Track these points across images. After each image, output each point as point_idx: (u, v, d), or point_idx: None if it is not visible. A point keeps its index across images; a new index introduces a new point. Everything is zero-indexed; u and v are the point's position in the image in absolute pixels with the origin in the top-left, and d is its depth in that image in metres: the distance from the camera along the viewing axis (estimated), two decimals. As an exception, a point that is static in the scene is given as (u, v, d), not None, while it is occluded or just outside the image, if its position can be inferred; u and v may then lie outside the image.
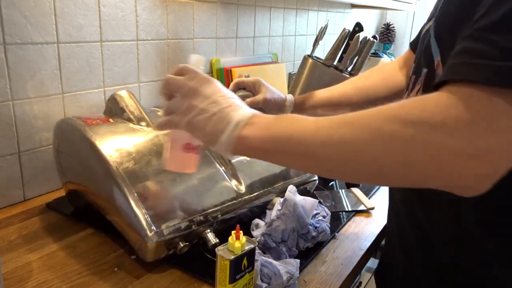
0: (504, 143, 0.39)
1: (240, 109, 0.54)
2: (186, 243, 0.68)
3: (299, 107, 0.91)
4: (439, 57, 0.55)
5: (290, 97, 0.92)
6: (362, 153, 0.44)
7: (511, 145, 0.39)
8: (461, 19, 0.49)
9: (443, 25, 0.56)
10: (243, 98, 0.91)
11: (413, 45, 0.86)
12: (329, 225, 0.81)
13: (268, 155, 0.52)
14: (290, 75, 1.74)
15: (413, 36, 0.85)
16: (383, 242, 0.92)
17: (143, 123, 0.80)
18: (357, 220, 0.89)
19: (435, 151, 0.40)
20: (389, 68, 0.91)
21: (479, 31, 0.42)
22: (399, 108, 0.44)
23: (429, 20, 0.67)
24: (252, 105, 0.88)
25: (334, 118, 0.47)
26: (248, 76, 1.38)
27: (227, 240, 0.60)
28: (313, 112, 0.91)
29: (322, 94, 0.91)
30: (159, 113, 0.87)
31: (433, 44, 0.57)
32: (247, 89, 0.91)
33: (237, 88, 0.92)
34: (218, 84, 0.56)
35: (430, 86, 0.55)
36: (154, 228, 0.65)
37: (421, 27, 0.83)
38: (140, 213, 0.66)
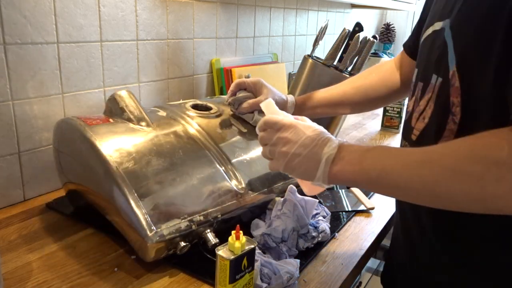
0: None
1: (327, 144, 0.58)
2: (186, 243, 0.68)
3: (300, 108, 0.91)
4: (455, 68, 0.55)
5: (291, 98, 0.92)
6: (442, 194, 0.48)
7: None
8: (489, 33, 0.50)
9: (465, 35, 0.55)
10: (244, 98, 0.91)
11: (409, 47, 0.85)
12: (329, 225, 0.81)
13: (362, 186, 0.59)
14: (290, 75, 1.74)
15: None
16: (383, 243, 0.92)
17: (143, 123, 0.80)
18: (357, 220, 0.89)
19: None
20: (387, 68, 0.91)
21: None
22: (474, 145, 0.47)
23: (430, 19, 0.66)
24: (254, 107, 0.88)
25: (418, 156, 0.52)
26: (248, 76, 1.38)
27: (227, 240, 0.60)
28: (313, 112, 0.91)
29: (322, 94, 0.91)
30: (159, 113, 0.87)
31: (450, 54, 0.56)
32: (248, 90, 0.92)
33: (238, 89, 0.93)
34: (300, 126, 0.61)
35: (445, 96, 0.56)
36: (154, 228, 0.65)
37: (416, 25, 0.83)
38: (140, 213, 0.66)
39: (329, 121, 1.19)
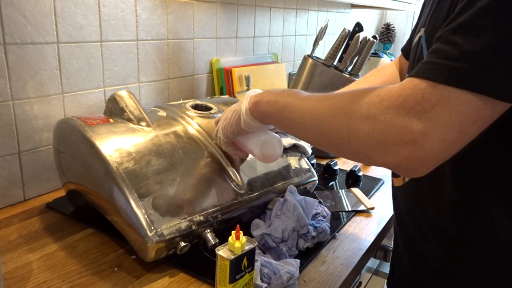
0: (436, 130, 0.44)
1: (250, 94, 0.68)
2: (186, 243, 0.68)
3: None
4: None
5: None
6: (322, 129, 0.54)
7: (441, 133, 0.44)
8: None
9: (433, 37, 0.56)
10: None
11: (405, 51, 0.86)
12: (329, 225, 0.81)
13: (273, 119, 0.64)
14: (290, 75, 1.74)
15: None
16: (383, 243, 0.92)
17: (143, 123, 0.80)
18: (357, 220, 0.89)
19: (377, 132, 0.47)
20: (390, 72, 0.91)
21: (447, 32, 0.46)
22: (364, 90, 0.51)
23: (419, 26, 0.67)
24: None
25: (322, 95, 0.57)
26: (248, 77, 1.38)
27: (227, 240, 0.60)
28: None
29: None
30: (159, 113, 0.87)
31: (424, 56, 0.57)
32: None
33: None
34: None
35: None
36: (154, 228, 0.65)
37: (411, 30, 0.83)
38: (140, 213, 0.66)
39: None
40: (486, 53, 0.42)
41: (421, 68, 0.46)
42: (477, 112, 0.43)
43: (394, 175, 0.71)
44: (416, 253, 0.66)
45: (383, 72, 0.92)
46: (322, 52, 1.95)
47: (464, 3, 0.45)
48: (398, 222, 0.73)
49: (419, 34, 0.64)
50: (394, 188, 0.75)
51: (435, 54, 0.46)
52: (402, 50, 0.88)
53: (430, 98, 0.44)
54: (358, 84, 0.92)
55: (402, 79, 0.88)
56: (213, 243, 0.69)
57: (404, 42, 0.88)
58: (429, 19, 0.59)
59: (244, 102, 0.68)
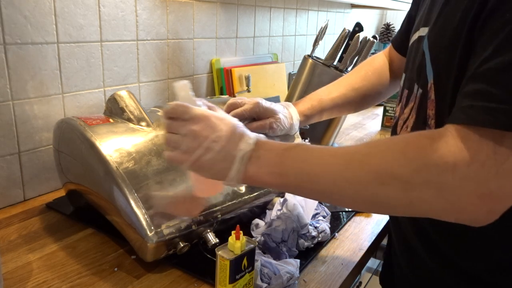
0: (510, 183, 0.42)
1: (242, 140, 0.54)
2: (186, 243, 0.68)
3: (306, 118, 0.84)
4: (433, 80, 0.54)
5: (294, 113, 0.82)
6: (366, 197, 0.48)
7: None
8: (458, 47, 0.49)
9: (439, 48, 0.54)
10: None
11: (397, 43, 0.85)
12: (329, 225, 0.81)
13: (280, 189, 0.58)
14: (290, 75, 1.74)
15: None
16: (383, 243, 0.92)
17: (143, 123, 0.80)
18: (357, 220, 0.89)
19: (447, 193, 0.43)
20: (381, 64, 0.90)
21: (489, 72, 0.43)
22: (406, 147, 0.46)
23: (417, 23, 0.65)
24: (259, 132, 0.79)
25: (340, 158, 0.49)
26: (248, 77, 1.38)
27: (227, 240, 0.60)
28: (319, 119, 0.87)
29: (326, 102, 0.86)
30: (159, 113, 0.87)
31: (428, 65, 0.56)
32: (248, 118, 0.77)
33: (253, 112, 0.78)
34: (214, 118, 0.55)
35: (424, 107, 0.57)
36: (154, 228, 0.65)
37: (404, 19, 0.82)
38: (140, 213, 0.66)
39: (329, 121, 1.19)
40: None
41: (475, 114, 0.43)
42: None
43: None
44: (411, 253, 0.66)
45: (374, 65, 0.91)
46: (322, 52, 1.95)
47: (506, 35, 0.42)
48: (392, 221, 0.73)
49: (418, 33, 0.62)
50: None
51: (483, 97, 0.43)
52: (393, 42, 0.87)
53: (502, 149, 0.41)
54: (350, 78, 0.90)
55: (392, 71, 0.88)
56: (213, 243, 0.69)
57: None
58: (433, 21, 0.56)
59: (235, 165, 0.53)
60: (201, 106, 0.59)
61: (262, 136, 0.56)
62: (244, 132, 0.55)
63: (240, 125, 0.57)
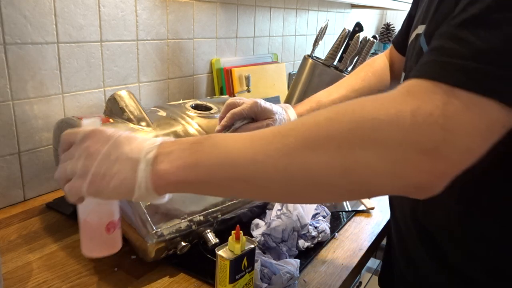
0: (458, 140, 0.37)
1: (144, 141, 0.47)
2: (186, 243, 0.68)
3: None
4: None
5: (293, 114, 0.82)
6: (301, 167, 0.41)
7: (464, 143, 0.38)
8: None
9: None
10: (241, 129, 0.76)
11: (398, 43, 0.85)
12: (329, 225, 0.81)
13: (199, 186, 0.46)
14: (290, 75, 1.74)
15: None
16: (383, 243, 0.92)
17: (143, 123, 0.80)
18: (357, 220, 0.89)
19: (387, 151, 0.38)
20: (381, 66, 0.90)
21: (450, 28, 0.41)
22: (343, 107, 0.41)
23: (416, 21, 0.65)
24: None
25: (266, 131, 0.43)
26: (248, 77, 1.38)
27: (227, 240, 0.60)
28: None
29: (325, 104, 0.84)
30: (159, 113, 0.87)
31: None
32: (246, 117, 0.78)
33: (234, 120, 0.78)
34: (109, 130, 0.49)
35: None
36: (154, 228, 0.65)
37: (405, 19, 0.82)
38: (140, 213, 0.65)
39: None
40: (505, 51, 0.37)
41: (429, 68, 0.40)
42: (505, 119, 0.38)
43: None
44: (413, 259, 0.66)
45: (374, 67, 0.91)
46: (322, 52, 1.95)
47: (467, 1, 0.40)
48: (394, 227, 0.72)
49: (416, 31, 0.62)
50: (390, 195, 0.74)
51: (441, 52, 0.40)
52: (394, 42, 0.87)
53: (453, 103, 0.37)
54: (351, 80, 0.90)
55: (393, 72, 0.88)
56: (213, 243, 0.69)
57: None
58: (430, 18, 0.56)
59: (141, 166, 0.45)
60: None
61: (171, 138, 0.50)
62: (146, 138, 0.48)
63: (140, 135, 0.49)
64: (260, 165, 0.41)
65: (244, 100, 0.78)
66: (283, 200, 0.48)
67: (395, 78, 0.88)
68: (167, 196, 0.49)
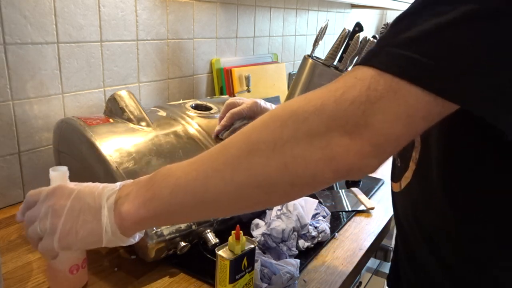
0: (378, 124, 0.39)
1: (104, 189, 0.50)
2: (186, 243, 0.68)
3: None
4: None
5: None
6: (245, 173, 0.43)
7: (388, 125, 0.39)
8: None
9: None
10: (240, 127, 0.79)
11: None
12: (329, 225, 0.81)
13: (163, 218, 0.49)
14: (290, 75, 1.74)
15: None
16: (383, 243, 0.92)
17: (143, 123, 0.80)
18: (357, 220, 0.89)
19: (317, 139, 0.40)
20: None
21: (397, 18, 0.42)
22: (277, 111, 0.44)
23: None
24: None
25: (209, 152, 0.46)
26: (248, 77, 1.38)
27: (227, 240, 0.60)
28: None
29: None
30: (159, 113, 0.87)
31: None
32: (246, 117, 0.80)
33: (234, 119, 0.81)
34: (70, 184, 0.53)
35: None
36: (154, 228, 0.65)
37: None
38: (140, 213, 0.65)
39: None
40: (438, 43, 0.38)
41: (365, 54, 0.42)
42: (427, 107, 0.39)
43: (392, 179, 0.71)
44: (415, 259, 0.66)
45: None
46: (322, 52, 1.95)
47: None
48: (397, 227, 0.72)
49: None
50: (393, 194, 0.74)
51: (379, 39, 0.42)
52: None
53: (376, 88, 0.39)
54: None
55: None
56: (213, 243, 0.69)
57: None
58: None
59: (103, 212, 0.48)
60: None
61: (129, 180, 0.52)
62: (107, 185, 0.51)
63: (103, 184, 0.52)
64: (210, 180, 0.44)
65: (244, 100, 0.78)
66: (238, 212, 0.51)
67: None
68: (137, 236, 0.51)
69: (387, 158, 0.41)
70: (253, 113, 0.77)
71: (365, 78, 0.39)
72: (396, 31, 0.40)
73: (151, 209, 0.47)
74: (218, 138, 0.82)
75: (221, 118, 0.79)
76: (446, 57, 0.38)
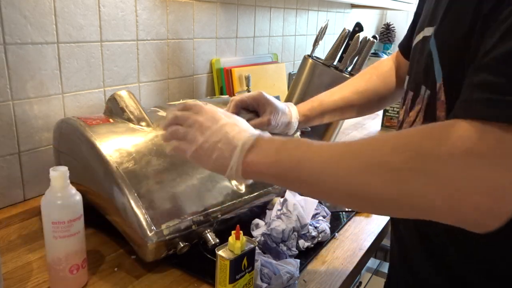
0: None
1: (245, 132, 0.55)
2: (186, 243, 0.68)
3: (306, 119, 0.84)
4: (442, 81, 0.53)
5: (294, 111, 0.83)
6: (356, 188, 0.45)
7: None
8: (470, 43, 0.47)
9: (449, 46, 0.52)
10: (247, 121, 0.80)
11: (403, 47, 0.84)
12: (329, 225, 0.81)
13: (276, 180, 0.54)
14: (290, 75, 1.74)
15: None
16: (383, 243, 0.92)
17: (143, 123, 0.80)
18: (357, 220, 0.89)
19: (445, 185, 0.40)
20: (387, 69, 0.89)
21: (493, 61, 0.41)
22: (406, 137, 0.44)
23: (421, 23, 0.64)
24: (257, 127, 0.81)
25: (340, 147, 0.49)
26: (248, 77, 1.38)
27: (227, 240, 0.60)
28: (320, 121, 0.86)
29: (327, 104, 0.85)
30: (159, 113, 0.87)
31: (436, 65, 0.54)
32: (250, 108, 0.79)
33: (239, 109, 0.80)
34: (220, 112, 0.59)
35: (433, 109, 0.55)
36: (154, 228, 0.65)
37: (410, 24, 0.82)
38: (140, 213, 0.66)
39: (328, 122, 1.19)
40: None
41: (477, 107, 0.40)
42: None
43: None
44: (409, 258, 0.66)
45: (380, 70, 0.90)
46: (322, 52, 1.95)
47: (509, 24, 0.40)
48: (392, 226, 0.72)
49: (422, 33, 0.60)
50: None
51: (488, 88, 0.40)
52: (400, 46, 0.86)
53: (506, 141, 0.37)
54: (355, 81, 0.89)
55: (399, 77, 0.87)
56: (213, 243, 0.69)
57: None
58: (440, 20, 0.55)
59: (236, 152, 0.54)
60: None
61: (267, 133, 0.57)
62: (248, 127, 0.58)
63: (244, 122, 0.59)
64: (326, 177, 0.48)
65: (247, 94, 0.79)
66: (346, 206, 0.59)
67: (401, 82, 0.87)
68: (250, 181, 0.58)
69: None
70: (257, 103, 0.77)
71: (492, 132, 0.39)
72: (507, 77, 0.39)
73: (271, 170, 0.52)
74: None
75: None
76: None
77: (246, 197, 0.78)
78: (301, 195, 0.80)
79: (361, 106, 0.87)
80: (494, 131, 0.38)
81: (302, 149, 0.51)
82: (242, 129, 0.56)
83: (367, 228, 0.86)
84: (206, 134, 0.56)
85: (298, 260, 0.68)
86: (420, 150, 0.41)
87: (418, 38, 0.63)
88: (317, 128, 1.17)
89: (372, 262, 1.04)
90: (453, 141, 0.40)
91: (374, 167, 0.44)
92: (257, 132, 0.57)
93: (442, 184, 0.40)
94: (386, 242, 0.95)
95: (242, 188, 0.79)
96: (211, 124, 0.56)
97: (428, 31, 0.58)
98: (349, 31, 1.21)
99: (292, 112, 0.81)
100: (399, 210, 0.46)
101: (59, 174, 0.59)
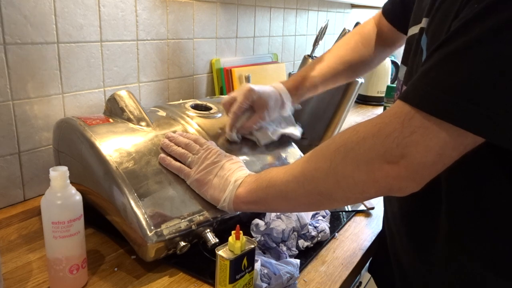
0: (412, 156, 0.46)
1: (238, 171, 0.69)
2: (186, 243, 0.68)
3: (297, 93, 0.89)
4: None
5: (285, 94, 0.87)
6: (306, 181, 0.58)
7: (421, 155, 0.46)
8: None
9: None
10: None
11: (389, 14, 0.86)
12: (329, 225, 0.81)
13: (257, 205, 0.65)
14: (290, 75, 1.74)
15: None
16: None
17: (143, 123, 0.80)
18: (357, 220, 0.89)
19: (362, 165, 0.50)
20: (369, 33, 0.91)
21: (438, 55, 0.45)
22: (341, 134, 0.55)
23: (422, 14, 0.64)
24: (255, 124, 0.86)
25: (299, 160, 0.60)
26: (248, 77, 1.38)
27: (227, 240, 0.60)
28: (314, 92, 0.90)
29: (315, 77, 0.88)
30: (159, 113, 0.87)
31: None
32: (246, 107, 0.85)
33: (238, 117, 0.85)
34: (221, 154, 0.72)
35: None
36: (154, 228, 0.65)
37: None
38: (140, 213, 0.66)
39: (328, 122, 1.19)
40: (476, 86, 0.42)
41: (405, 91, 0.48)
42: (458, 140, 0.44)
43: None
44: (402, 265, 0.67)
45: (364, 35, 0.91)
46: (322, 52, 1.95)
47: (462, 23, 0.44)
48: (388, 232, 0.73)
49: (420, 25, 0.60)
50: (384, 199, 0.75)
51: (424, 79, 0.46)
52: (384, 11, 0.87)
53: (410, 124, 0.45)
54: (339, 50, 0.91)
55: (381, 40, 0.89)
56: (213, 243, 0.69)
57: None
58: (432, 17, 0.55)
59: (229, 187, 0.67)
60: None
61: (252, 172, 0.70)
62: (242, 167, 0.71)
63: (240, 161, 0.73)
64: (290, 184, 0.59)
65: (235, 94, 0.84)
66: (308, 209, 0.67)
67: (382, 46, 0.89)
68: (238, 212, 0.72)
69: (426, 180, 0.48)
70: (250, 101, 0.83)
71: (401, 114, 0.47)
72: (439, 71, 0.45)
73: (254, 196, 0.64)
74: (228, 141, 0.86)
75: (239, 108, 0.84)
76: (480, 95, 0.42)
77: (246, 197, 0.78)
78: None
79: (349, 75, 0.92)
80: (403, 114, 0.47)
81: (274, 169, 0.63)
82: (236, 168, 0.69)
83: (367, 228, 0.86)
84: (208, 170, 0.70)
85: (298, 260, 0.68)
86: (343, 139, 0.53)
87: (415, 30, 0.63)
88: (318, 129, 1.17)
89: (372, 262, 1.04)
90: (367, 126, 0.51)
91: (315, 163, 0.56)
92: (248, 172, 0.69)
93: (361, 164, 0.50)
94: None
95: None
96: (214, 160, 0.71)
97: (425, 22, 0.59)
98: (349, 31, 1.21)
99: (284, 100, 0.87)
100: (342, 193, 0.54)
101: (59, 174, 0.59)
